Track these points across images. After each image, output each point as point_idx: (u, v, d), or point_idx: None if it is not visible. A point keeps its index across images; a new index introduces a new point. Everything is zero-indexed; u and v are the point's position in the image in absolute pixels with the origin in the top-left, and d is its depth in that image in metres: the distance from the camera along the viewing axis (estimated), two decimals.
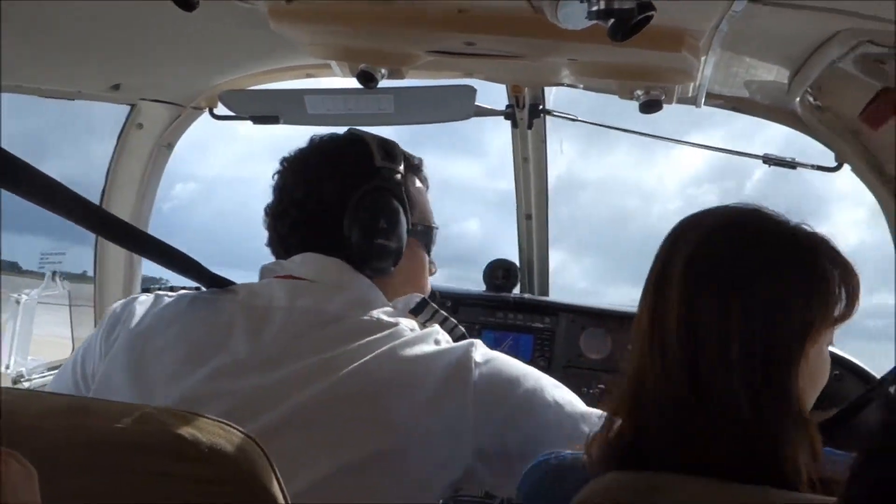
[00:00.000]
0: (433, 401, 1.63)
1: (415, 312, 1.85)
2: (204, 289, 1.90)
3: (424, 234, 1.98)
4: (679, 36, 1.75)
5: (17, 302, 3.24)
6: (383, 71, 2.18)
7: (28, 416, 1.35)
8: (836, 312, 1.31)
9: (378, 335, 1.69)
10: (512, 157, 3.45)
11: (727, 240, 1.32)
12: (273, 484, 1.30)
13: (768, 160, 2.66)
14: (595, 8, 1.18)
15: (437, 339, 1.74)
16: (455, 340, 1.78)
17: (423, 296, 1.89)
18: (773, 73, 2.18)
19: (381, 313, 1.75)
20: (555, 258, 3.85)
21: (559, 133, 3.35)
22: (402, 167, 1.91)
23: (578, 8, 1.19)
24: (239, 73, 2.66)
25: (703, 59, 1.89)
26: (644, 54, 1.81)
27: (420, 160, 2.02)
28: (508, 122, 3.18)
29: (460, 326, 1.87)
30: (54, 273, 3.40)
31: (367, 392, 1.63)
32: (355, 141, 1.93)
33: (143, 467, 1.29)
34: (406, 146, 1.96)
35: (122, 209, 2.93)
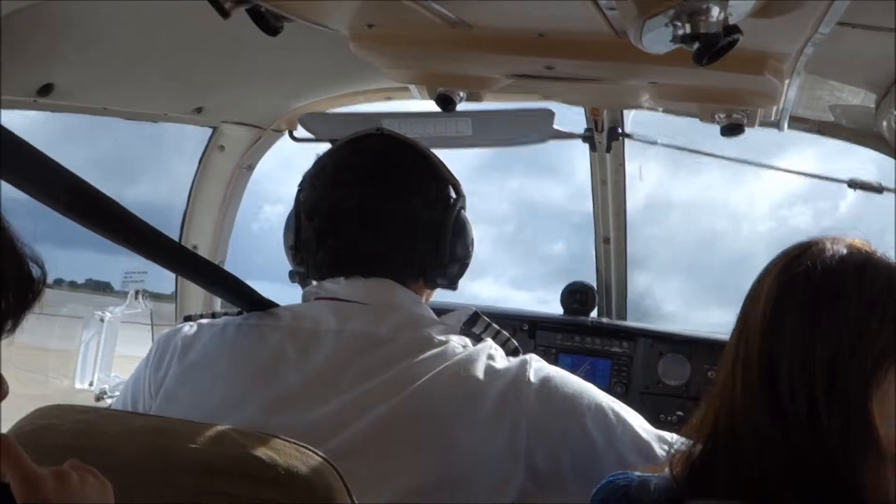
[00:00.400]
0: (490, 421, 1.62)
1: (468, 326, 1.81)
2: (246, 313, 1.87)
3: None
4: (762, 59, 1.73)
5: (102, 320, 3.30)
6: (462, 94, 2.18)
7: (107, 435, 1.37)
8: None
9: (431, 352, 1.68)
10: (590, 180, 3.43)
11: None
12: None
13: (854, 184, 2.62)
14: (681, 32, 1.17)
15: (490, 355, 1.71)
16: (508, 354, 1.75)
17: (474, 309, 1.85)
18: (859, 97, 2.14)
19: (432, 331, 1.73)
20: (640, 281, 3.81)
21: (641, 156, 3.32)
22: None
23: (663, 32, 1.18)
24: (319, 96, 2.69)
25: (786, 82, 1.86)
26: (726, 77, 1.79)
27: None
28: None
29: (513, 340, 1.83)
30: (137, 292, 3.45)
31: (427, 413, 1.61)
32: (420, 157, 1.91)
33: (219, 489, 1.30)
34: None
35: (203, 230, 2.97)
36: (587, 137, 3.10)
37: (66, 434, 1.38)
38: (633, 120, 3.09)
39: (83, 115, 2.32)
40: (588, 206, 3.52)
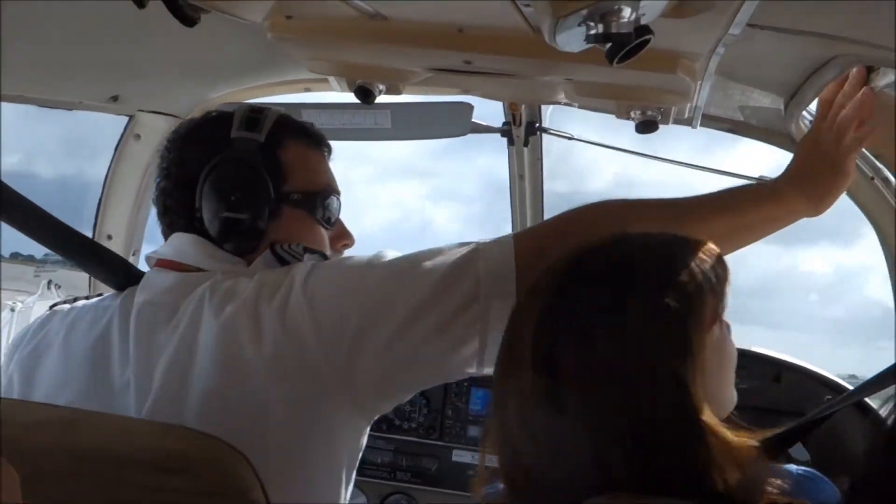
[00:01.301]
0: None
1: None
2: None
3: (306, 201, 1.85)
4: (675, 58, 1.76)
5: (13, 310, 3.24)
6: (381, 87, 2.18)
7: (16, 425, 1.36)
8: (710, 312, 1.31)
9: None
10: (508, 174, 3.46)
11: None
12: (260, 497, 1.31)
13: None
14: (593, 32, 1.19)
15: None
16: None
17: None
18: (769, 97, 2.19)
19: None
20: None
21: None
22: (263, 135, 1.81)
23: (577, 32, 1.19)
24: (237, 86, 2.67)
25: (699, 81, 1.89)
26: (640, 75, 1.82)
27: (308, 125, 1.95)
28: None
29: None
30: (50, 282, 3.40)
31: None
32: (218, 116, 1.88)
33: (130, 480, 1.30)
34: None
35: (118, 221, 2.93)
36: (505, 132, 3.13)
37: None
38: (554, 114, 3.13)
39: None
40: (557, 186, 3.56)
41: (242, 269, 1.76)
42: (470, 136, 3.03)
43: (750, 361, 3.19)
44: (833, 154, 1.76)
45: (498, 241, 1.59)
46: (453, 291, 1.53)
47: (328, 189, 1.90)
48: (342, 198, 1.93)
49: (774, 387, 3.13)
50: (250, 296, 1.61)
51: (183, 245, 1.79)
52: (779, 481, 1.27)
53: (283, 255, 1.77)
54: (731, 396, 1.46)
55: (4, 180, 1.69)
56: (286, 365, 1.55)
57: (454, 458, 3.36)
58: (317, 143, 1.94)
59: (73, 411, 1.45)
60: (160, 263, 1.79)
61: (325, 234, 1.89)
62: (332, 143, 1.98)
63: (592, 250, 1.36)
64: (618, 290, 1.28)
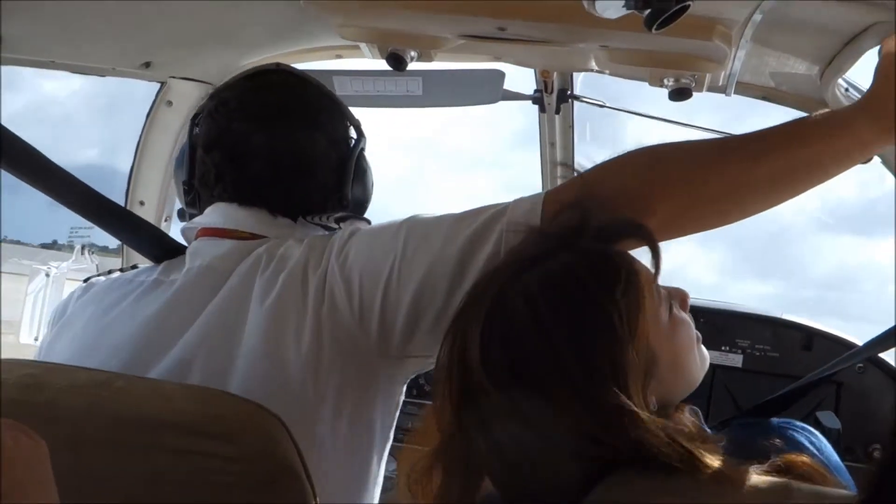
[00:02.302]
0: None
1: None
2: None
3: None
4: (712, 25, 1.75)
5: (47, 275, 3.26)
6: (413, 53, 2.18)
7: (53, 389, 1.37)
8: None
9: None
10: (539, 141, 3.45)
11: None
12: (297, 462, 1.31)
13: None
14: None
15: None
16: None
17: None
18: (805, 64, 2.17)
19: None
20: (683, 252, 3.82)
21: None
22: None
23: None
24: (268, 53, 2.67)
25: (734, 48, 1.88)
26: (675, 42, 1.81)
27: None
28: None
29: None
30: (83, 247, 3.42)
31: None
32: (324, 94, 1.92)
33: (167, 444, 1.31)
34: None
35: (150, 187, 2.94)
36: (537, 99, 3.11)
37: (11, 388, 1.37)
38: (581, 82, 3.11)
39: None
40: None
41: (293, 233, 1.78)
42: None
43: (780, 329, 3.19)
44: None
45: (530, 198, 1.58)
46: (478, 247, 1.53)
47: None
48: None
49: (805, 354, 3.13)
50: (300, 262, 1.63)
51: (234, 213, 1.79)
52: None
53: (313, 225, 1.79)
54: (692, 377, 1.48)
55: (84, 174, 1.71)
56: (324, 331, 1.57)
57: None
58: None
59: (110, 375, 1.46)
60: (207, 232, 1.79)
61: None
62: (366, 109, 1.99)
63: (526, 265, 1.36)
64: (542, 315, 1.30)
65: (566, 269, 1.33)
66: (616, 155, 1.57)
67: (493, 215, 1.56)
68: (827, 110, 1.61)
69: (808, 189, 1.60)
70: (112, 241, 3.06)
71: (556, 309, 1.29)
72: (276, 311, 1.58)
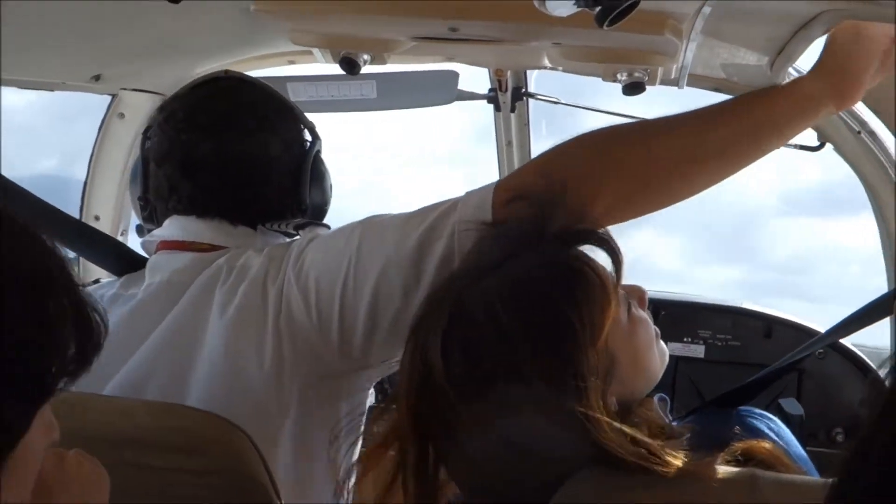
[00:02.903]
0: None
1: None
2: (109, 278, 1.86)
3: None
4: (662, 19, 1.76)
5: None
6: (366, 57, 2.17)
7: None
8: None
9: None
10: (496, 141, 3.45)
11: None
12: (262, 473, 1.31)
13: None
14: None
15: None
16: None
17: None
18: (756, 54, 2.18)
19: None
20: (642, 238, 3.81)
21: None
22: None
23: None
24: (220, 61, 2.65)
25: (685, 41, 1.89)
26: (627, 37, 1.81)
27: None
28: None
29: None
30: None
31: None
32: (274, 98, 1.93)
33: (132, 461, 1.30)
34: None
35: (105, 200, 2.91)
36: (492, 98, 3.12)
37: None
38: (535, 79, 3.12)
39: None
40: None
41: (254, 242, 1.77)
42: None
43: (740, 318, 3.22)
44: (857, 43, 1.66)
45: (479, 191, 1.58)
46: (430, 246, 1.53)
47: None
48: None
49: (766, 342, 3.16)
50: (259, 273, 1.62)
51: (191, 225, 1.79)
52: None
53: (275, 233, 1.78)
54: (652, 374, 1.50)
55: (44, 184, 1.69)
56: (284, 340, 1.56)
57: None
58: None
59: (67, 394, 1.44)
60: (166, 245, 1.78)
61: None
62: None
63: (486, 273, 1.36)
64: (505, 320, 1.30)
65: (526, 274, 1.33)
66: (568, 140, 1.58)
67: (443, 212, 1.56)
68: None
69: (756, 156, 1.63)
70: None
71: (516, 315, 1.29)
72: (236, 324, 1.57)
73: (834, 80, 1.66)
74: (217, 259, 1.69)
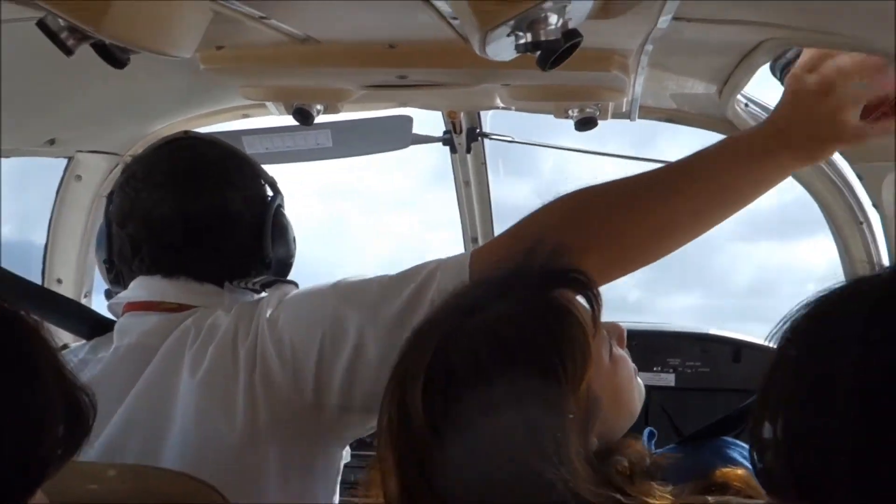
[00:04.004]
0: None
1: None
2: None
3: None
4: (608, 56, 1.78)
5: None
6: (319, 107, 2.18)
7: None
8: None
9: None
10: (454, 182, 3.46)
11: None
12: None
13: None
14: (522, 41, 1.19)
15: None
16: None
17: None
18: (703, 84, 2.21)
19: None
20: None
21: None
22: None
23: (506, 41, 1.20)
24: (175, 118, 2.65)
25: (633, 75, 1.91)
26: (575, 75, 1.83)
27: None
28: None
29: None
30: None
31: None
32: (233, 155, 1.91)
33: None
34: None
35: (67, 263, 2.90)
36: (447, 140, 3.13)
37: None
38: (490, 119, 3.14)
39: None
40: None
41: (222, 301, 1.75)
42: None
43: (709, 344, 3.24)
44: (820, 105, 1.59)
45: (455, 262, 1.58)
46: (409, 320, 1.50)
47: None
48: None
49: (734, 367, 3.18)
50: (229, 332, 1.61)
51: (157, 285, 1.78)
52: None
53: (243, 290, 1.77)
54: (633, 411, 1.50)
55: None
56: (259, 400, 1.55)
57: None
58: None
59: None
60: (133, 307, 1.77)
61: None
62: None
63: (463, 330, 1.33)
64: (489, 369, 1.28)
65: (509, 319, 1.31)
66: (536, 209, 1.58)
67: (420, 286, 1.56)
68: (740, 134, 1.64)
69: (730, 215, 1.63)
70: None
71: (498, 361, 1.27)
72: (207, 384, 1.56)
73: (804, 151, 1.64)
74: (185, 320, 1.68)
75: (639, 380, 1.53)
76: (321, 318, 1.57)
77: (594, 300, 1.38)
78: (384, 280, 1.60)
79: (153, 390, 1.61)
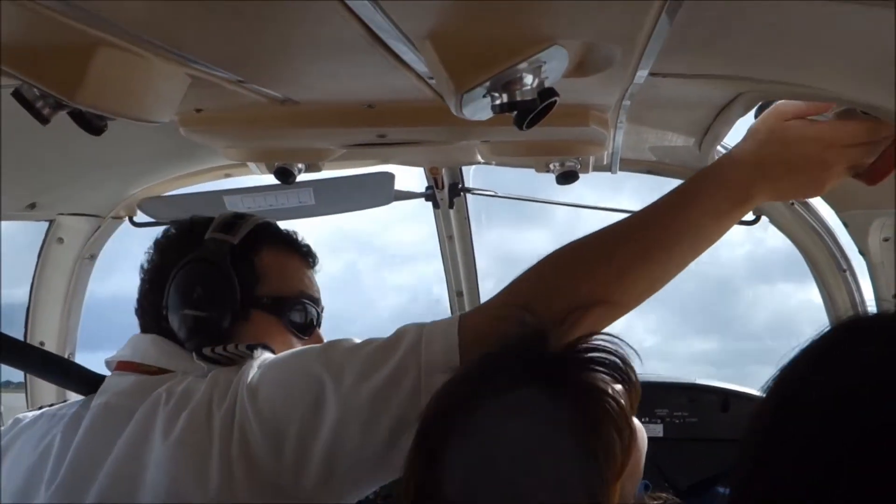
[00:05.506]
0: None
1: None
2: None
3: (276, 306, 1.84)
4: (585, 111, 1.79)
5: None
6: (300, 166, 2.19)
7: None
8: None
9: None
10: (437, 236, 3.47)
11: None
12: None
13: None
14: (498, 102, 1.20)
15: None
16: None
17: None
18: (682, 137, 2.22)
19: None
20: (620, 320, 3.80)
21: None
22: (238, 238, 1.83)
23: (482, 102, 1.20)
24: (156, 180, 2.66)
25: (612, 130, 1.92)
26: (554, 131, 1.84)
27: (293, 234, 1.94)
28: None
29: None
30: None
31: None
32: (202, 221, 1.88)
33: None
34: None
35: (49, 326, 2.89)
36: (429, 196, 3.14)
37: None
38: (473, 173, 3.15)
39: None
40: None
41: (200, 368, 1.73)
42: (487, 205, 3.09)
43: (696, 394, 3.23)
44: (816, 155, 1.56)
45: (442, 329, 1.54)
46: (396, 390, 1.48)
47: (301, 295, 1.88)
48: (320, 306, 1.92)
49: (723, 416, 3.18)
50: (203, 399, 1.58)
51: (142, 345, 1.78)
52: None
53: (214, 358, 1.74)
54: (640, 476, 1.50)
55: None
56: (236, 468, 1.52)
57: None
58: (297, 251, 1.92)
59: None
60: (119, 366, 1.77)
61: (295, 342, 1.85)
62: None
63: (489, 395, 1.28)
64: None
65: (552, 403, 1.25)
66: (523, 272, 1.56)
67: (406, 354, 1.51)
68: (706, 171, 1.62)
69: (707, 245, 1.60)
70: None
71: (537, 444, 1.22)
72: (178, 450, 1.54)
73: (777, 184, 1.61)
74: (159, 386, 1.66)
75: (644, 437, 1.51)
76: (301, 393, 1.54)
77: (631, 384, 1.32)
78: (364, 355, 1.55)
79: (127, 456, 1.59)
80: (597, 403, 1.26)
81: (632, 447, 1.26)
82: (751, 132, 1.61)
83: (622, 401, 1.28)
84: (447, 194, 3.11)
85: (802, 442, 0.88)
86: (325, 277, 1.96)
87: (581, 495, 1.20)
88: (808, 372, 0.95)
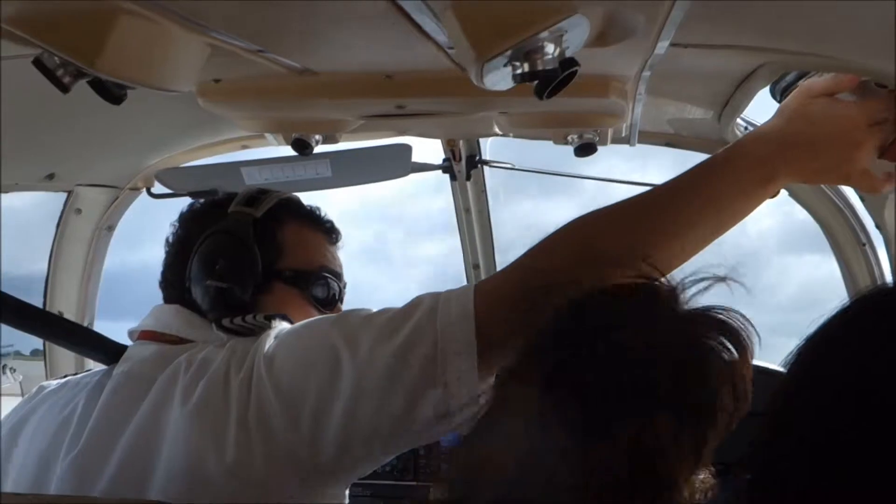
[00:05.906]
0: None
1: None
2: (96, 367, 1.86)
3: (298, 279, 1.86)
4: (606, 82, 1.78)
5: None
6: (317, 137, 2.18)
7: None
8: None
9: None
10: (454, 209, 3.47)
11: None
12: None
13: None
14: (519, 71, 1.19)
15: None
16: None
17: None
18: (702, 109, 2.21)
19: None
20: None
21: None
22: (260, 211, 1.85)
23: (503, 72, 1.20)
24: (174, 151, 2.66)
25: (631, 101, 1.91)
26: (573, 102, 1.83)
27: (315, 209, 1.96)
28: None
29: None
30: (4, 366, 3.39)
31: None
32: (226, 195, 1.93)
33: None
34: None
35: (68, 296, 2.90)
36: (447, 168, 3.13)
37: None
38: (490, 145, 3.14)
39: None
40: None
41: (220, 338, 1.74)
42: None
43: None
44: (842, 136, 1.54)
45: (458, 296, 1.53)
46: (412, 357, 1.47)
47: (323, 269, 1.90)
48: (342, 281, 1.94)
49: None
50: (221, 367, 1.59)
51: (164, 315, 1.81)
52: None
53: (234, 328, 1.75)
54: None
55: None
56: (253, 436, 1.53)
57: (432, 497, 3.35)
58: (319, 226, 1.95)
59: (40, 497, 1.44)
60: (142, 335, 1.80)
61: (316, 315, 1.84)
62: None
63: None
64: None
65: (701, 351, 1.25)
66: (540, 241, 1.55)
67: (417, 324, 1.51)
68: (733, 147, 1.60)
69: (732, 223, 1.59)
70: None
71: (672, 384, 1.20)
72: (196, 417, 1.55)
73: (801, 165, 1.59)
74: (180, 355, 1.67)
75: None
76: (317, 364, 1.54)
77: (744, 348, 1.30)
78: (379, 320, 1.55)
79: (147, 424, 1.60)
80: (723, 366, 1.25)
81: (735, 420, 1.25)
82: (779, 110, 1.60)
83: (746, 372, 1.28)
84: (464, 166, 3.10)
85: (823, 415, 0.88)
86: (355, 247, 1.96)
87: (689, 446, 1.20)
88: (828, 347, 0.95)
